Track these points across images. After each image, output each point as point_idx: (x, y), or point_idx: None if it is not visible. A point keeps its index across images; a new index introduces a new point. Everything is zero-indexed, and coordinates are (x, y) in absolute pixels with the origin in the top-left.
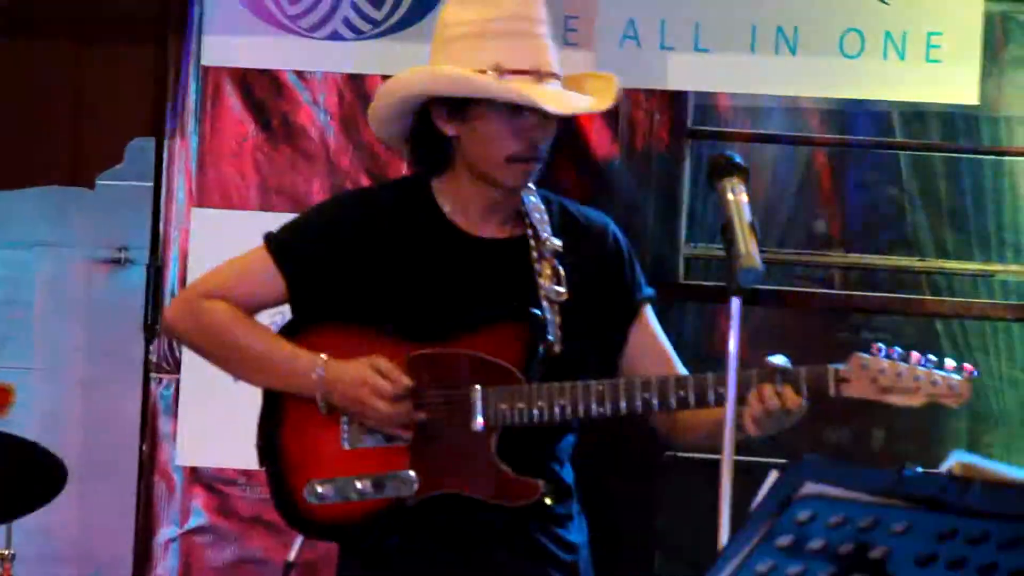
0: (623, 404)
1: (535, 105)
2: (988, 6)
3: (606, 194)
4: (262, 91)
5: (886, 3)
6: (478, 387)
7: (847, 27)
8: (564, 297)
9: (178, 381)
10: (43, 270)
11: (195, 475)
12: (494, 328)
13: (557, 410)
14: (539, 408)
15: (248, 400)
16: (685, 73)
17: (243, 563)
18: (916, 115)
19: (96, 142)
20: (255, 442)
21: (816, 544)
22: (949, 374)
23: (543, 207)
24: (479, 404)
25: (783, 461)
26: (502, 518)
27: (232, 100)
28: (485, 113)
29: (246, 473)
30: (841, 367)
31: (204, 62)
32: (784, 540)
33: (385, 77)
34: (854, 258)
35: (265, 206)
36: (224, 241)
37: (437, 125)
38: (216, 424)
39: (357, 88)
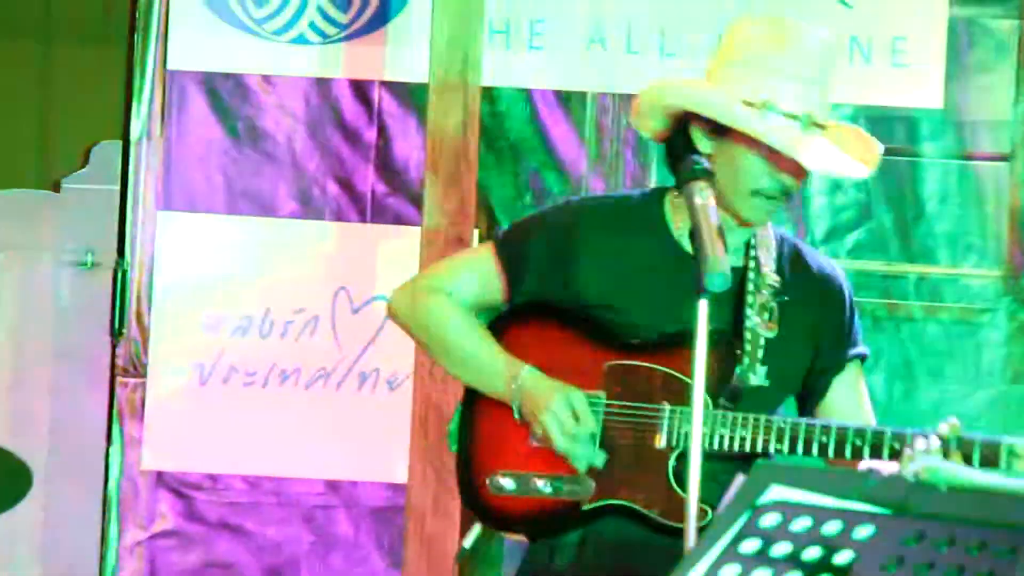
0: (800, 445)
1: (793, 155)
2: (953, 10)
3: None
4: (228, 95)
5: (850, 7)
6: (667, 405)
7: None
8: (771, 333)
9: (144, 385)
10: (10, 273)
11: (161, 479)
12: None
13: (737, 441)
14: (720, 436)
15: (214, 404)
16: (651, 78)
17: (209, 567)
18: (882, 119)
19: (62, 145)
20: (448, 426)
21: (782, 549)
22: None
23: (774, 244)
24: (665, 423)
25: (750, 465)
26: (669, 534)
27: (198, 104)
28: (745, 142)
29: (212, 477)
30: (1016, 443)
31: (170, 66)
32: (750, 545)
33: (352, 81)
34: None
35: (232, 210)
36: (191, 245)
37: (694, 138)
38: (182, 428)
39: (323, 92)
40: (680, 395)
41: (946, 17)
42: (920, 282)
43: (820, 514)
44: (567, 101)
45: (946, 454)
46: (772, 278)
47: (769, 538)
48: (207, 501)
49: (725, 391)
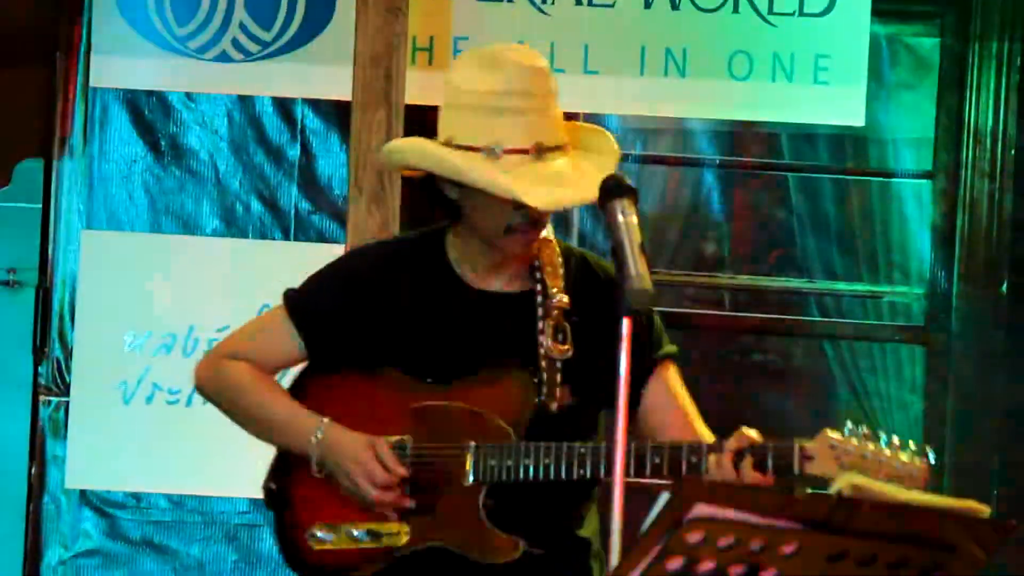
0: (602, 467)
1: (518, 200)
2: (875, 28)
3: None
4: (151, 113)
5: (774, 25)
6: (471, 442)
7: (736, 49)
8: (568, 355)
9: (67, 403)
10: None
11: (84, 498)
12: (491, 383)
13: (542, 469)
14: (525, 466)
15: (138, 423)
16: (575, 95)
17: None
18: (804, 137)
19: None
20: (263, 484)
21: (707, 566)
22: (909, 456)
23: (560, 260)
24: (470, 460)
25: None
26: (488, 574)
27: (121, 121)
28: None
29: (136, 496)
30: (808, 444)
31: (93, 83)
32: (674, 562)
33: (275, 99)
34: (743, 279)
35: (155, 228)
36: (114, 263)
37: (441, 187)
38: (106, 447)
39: (246, 109)
40: (482, 431)
41: (868, 35)
42: (844, 300)
43: (744, 531)
44: None
45: (739, 463)
46: (560, 299)
47: (694, 555)
48: (131, 520)
49: (527, 421)
